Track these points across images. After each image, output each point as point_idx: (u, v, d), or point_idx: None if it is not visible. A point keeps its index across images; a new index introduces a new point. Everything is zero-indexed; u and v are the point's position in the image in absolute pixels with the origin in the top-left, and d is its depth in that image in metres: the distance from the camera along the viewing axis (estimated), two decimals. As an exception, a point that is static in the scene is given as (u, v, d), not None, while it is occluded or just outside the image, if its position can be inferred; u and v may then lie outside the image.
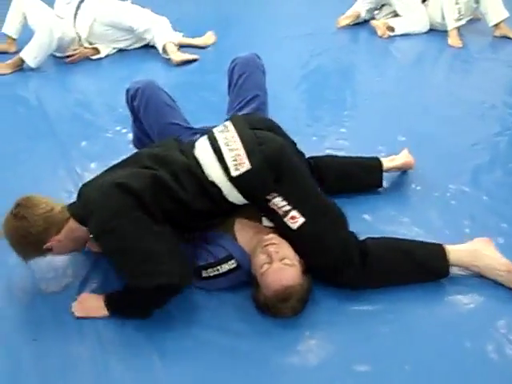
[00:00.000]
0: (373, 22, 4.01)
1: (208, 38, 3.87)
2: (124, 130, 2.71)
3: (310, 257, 1.67)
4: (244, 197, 1.68)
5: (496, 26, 3.77)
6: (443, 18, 3.85)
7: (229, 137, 1.69)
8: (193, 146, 1.77)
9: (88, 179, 1.81)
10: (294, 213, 1.64)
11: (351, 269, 1.65)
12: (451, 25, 3.78)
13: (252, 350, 1.55)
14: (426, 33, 3.97)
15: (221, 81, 3.24)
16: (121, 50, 3.79)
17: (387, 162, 2.15)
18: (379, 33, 3.91)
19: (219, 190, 1.66)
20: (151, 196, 1.58)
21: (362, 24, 4.19)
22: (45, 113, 2.97)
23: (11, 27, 3.67)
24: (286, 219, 1.64)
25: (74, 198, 2.14)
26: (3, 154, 2.58)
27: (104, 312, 1.65)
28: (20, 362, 1.54)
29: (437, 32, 3.95)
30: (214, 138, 1.71)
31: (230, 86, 2.14)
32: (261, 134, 1.73)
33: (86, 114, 2.96)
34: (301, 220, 1.63)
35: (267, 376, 1.48)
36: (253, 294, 1.64)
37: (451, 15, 3.78)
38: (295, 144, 1.92)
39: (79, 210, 1.65)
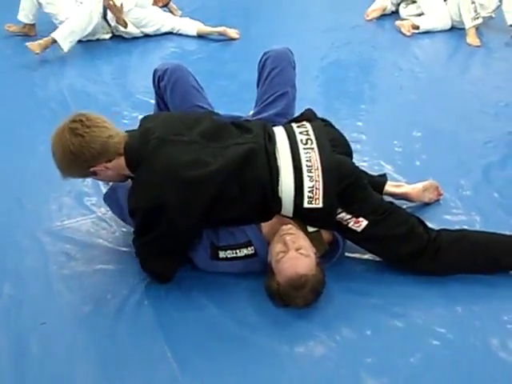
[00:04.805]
0: (397, 23, 4.02)
1: (231, 32, 3.87)
2: (141, 117, 2.75)
3: (381, 254, 1.78)
4: (301, 219, 1.72)
5: (512, 26, 3.78)
6: (461, 16, 3.86)
7: (313, 160, 1.66)
8: (275, 146, 1.70)
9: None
10: (358, 218, 1.68)
11: (422, 260, 1.72)
12: (468, 24, 3.79)
13: (261, 339, 1.59)
14: (445, 30, 3.98)
15: (240, 70, 3.32)
16: (136, 38, 3.84)
17: (391, 187, 2.09)
18: (403, 31, 3.92)
19: (281, 206, 1.67)
20: (207, 208, 1.60)
21: (383, 19, 4.22)
22: (63, 97, 3.02)
23: (28, 15, 3.69)
24: (350, 225, 1.68)
25: (87, 183, 2.20)
26: (22, 136, 2.63)
27: None
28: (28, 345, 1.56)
29: (456, 30, 3.96)
30: (297, 152, 1.68)
31: (260, 78, 2.14)
32: (341, 164, 1.70)
33: (104, 100, 2.99)
34: (364, 223, 1.67)
35: (274, 365, 1.52)
36: (266, 282, 1.68)
37: (468, 14, 3.79)
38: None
39: (134, 159, 1.62)
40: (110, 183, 1.96)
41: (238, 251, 1.72)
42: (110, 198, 1.96)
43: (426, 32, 3.93)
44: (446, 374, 1.50)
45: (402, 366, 1.52)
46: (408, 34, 3.91)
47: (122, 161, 1.63)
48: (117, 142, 1.61)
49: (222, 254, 1.73)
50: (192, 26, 3.87)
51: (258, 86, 2.17)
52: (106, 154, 1.60)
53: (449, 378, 1.49)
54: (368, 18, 4.24)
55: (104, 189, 2.20)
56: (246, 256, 1.72)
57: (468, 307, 1.69)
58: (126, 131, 1.72)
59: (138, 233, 1.68)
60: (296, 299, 1.63)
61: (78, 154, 1.57)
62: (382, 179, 2.08)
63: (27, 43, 3.37)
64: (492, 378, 1.49)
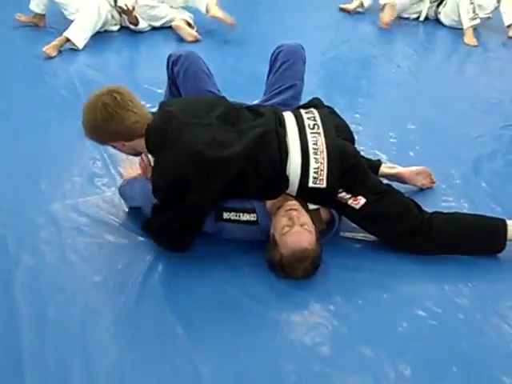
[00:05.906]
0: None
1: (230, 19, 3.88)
2: (148, 105, 2.85)
3: (377, 232, 1.90)
4: (304, 198, 1.84)
5: (509, 27, 3.91)
6: (459, 16, 3.99)
7: (319, 143, 1.79)
8: (285, 129, 1.82)
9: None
10: (357, 196, 1.81)
11: (415, 238, 1.85)
12: (466, 24, 3.92)
13: (261, 308, 1.70)
14: (444, 31, 4.11)
15: (243, 64, 3.44)
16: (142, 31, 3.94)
17: (385, 168, 2.21)
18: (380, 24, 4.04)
19: (288, 185, 1.80)
20: (225, 185, 1.72)
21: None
22: (73, 85, 3.12)
23: (40, 4, 3.76)
24: (349, 203, 1.81)
25: (98, 165, 2.34)
26: (34, 123, 2.72)
27: None
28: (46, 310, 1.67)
29: (454, 30, 4.09)
30: (305, 136, 1.80)
31: (271, 69, 2.25)
32: (344, 148, 1.83)
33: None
34: (362, 200, 1.81)
35: (272, 330, 1.64)
36: (268, 253, 1.80)
37: (466, 14, 3.93)
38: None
39: (154, 142, 1.74)
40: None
41: (241, 215, 1.83)
42: (127, 191, 2.08)
43: (424, 32, 4.06)
44: (431, 342, 1.62)
45: (390, 334, 1.64)
46: (386, 26, 4.01)
47: (141, 142, 1.77)
48: (140, 126, 1.74)
49: (225, 215, 1.83)
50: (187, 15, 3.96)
51: (268, 77, 2.28)
52: (127, 136, 1.75)
53: (434, 346, 1.61)
54: (342, 6, 4.43)
55: (112, 170, 2.33)
56: (248, 222, 1.84)
57: (456, 286, 1.81)
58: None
59: (161, 209, 1.78)
60: (297, 270, 1.75)
61: (101, 128, 1.72)
62: (378, 162, 2.22)
63: (44, 48, 3.41)
64: (474, 347, 1.62)
